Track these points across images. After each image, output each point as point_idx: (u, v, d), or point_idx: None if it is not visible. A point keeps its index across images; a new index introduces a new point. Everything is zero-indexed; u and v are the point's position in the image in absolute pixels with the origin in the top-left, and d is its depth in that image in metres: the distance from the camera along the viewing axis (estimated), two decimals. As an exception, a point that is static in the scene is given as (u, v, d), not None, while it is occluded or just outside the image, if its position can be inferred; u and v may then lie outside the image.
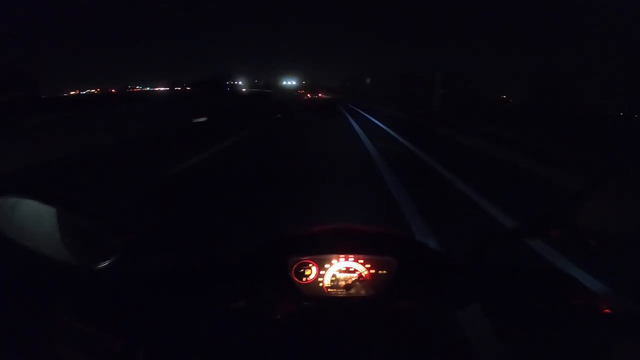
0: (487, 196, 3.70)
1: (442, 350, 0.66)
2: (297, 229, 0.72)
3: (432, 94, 18.99)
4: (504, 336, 0.63)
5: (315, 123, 12.45)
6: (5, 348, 0.43)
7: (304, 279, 0.65)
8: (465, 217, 3.19)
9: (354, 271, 0.66)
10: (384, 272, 0.65)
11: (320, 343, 0.62)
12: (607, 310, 0.52)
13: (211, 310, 0.62)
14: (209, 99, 23.67)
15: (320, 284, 0.66)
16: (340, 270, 0.66)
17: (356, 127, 10.78)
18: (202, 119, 11.91)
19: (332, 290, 0.66)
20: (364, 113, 17.17)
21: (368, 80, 52.55)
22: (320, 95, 20.23)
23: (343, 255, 0.67)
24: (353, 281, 0.66)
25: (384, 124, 11.95)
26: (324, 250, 0.67)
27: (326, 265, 0.66)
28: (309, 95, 21.44)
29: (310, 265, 0.66)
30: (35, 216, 0.50)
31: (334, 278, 0.66)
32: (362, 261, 0.66)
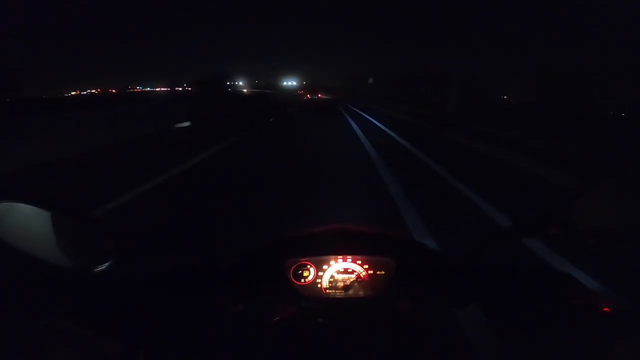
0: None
1: (442, 350, 0.66)
2: (295, 230, 0.72)
3: (447, 95, 16.75)
4: (504, 336, 0.63)
5: (314, 128, 11.35)
6: (5, 350, 0.43)
7: (302, 280, 0.65)
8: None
9: (352, 272, 0.66)
10: (383, 272, 0.65)
11: (319, 344, 0.62)
12: (606, 309, 0.52)
13: (210, 311, 0.62)
14: (207, 99, 23.18)
15: (319, 285, 0.66)
16: (338, 271, 0.66)
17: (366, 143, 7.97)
18: (185, 124, 11.14)
19: (330, 291, 0.66)
20: (368, 117, 15.15)
21: (370, 80, 49.49)
22: (319, 95, 20.21)
23: (341, 256, 0.66)
24: (351, 282, 0.65)
25: (393, 134, 9.73)
26: (322, 252, 0.67)
27: (324, 267, 0.66)
28: (308, 95, 21.48)
29: (308, 266, 0.66)
30: (31, 220, 0.50)
31: (332, 279, 0.66)
32: (360, 262, 0.66)
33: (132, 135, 8.30)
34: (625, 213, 0.52)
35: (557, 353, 0.53)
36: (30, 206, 0.49)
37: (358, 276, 0.66)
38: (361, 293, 0.66)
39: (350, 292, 0.65)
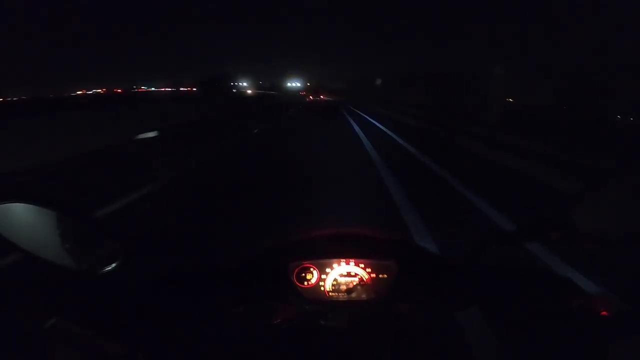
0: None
1: (443, 352, 0.66)
2: (298, 234, 0.73)
3: (487, 101, 12.09)
4: (504, 338, 0.64)
5: (313, 139, 9.13)
6: (7, 350, 0.43)
7: (305, 283, 0.66)
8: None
9: (355, 275, 0.67)
10: (385, 276, 0.66)
11: (321, 347, 0.63)
12: (604, 313, 0.52)
13: (212, 313, 0.63)
14: (205, 100, 22.56)
15: (322, 288, 0.67)
16: (341, 274, 0.67)
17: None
18: (151, 134, 8.85)
19: (333, 294, 0.67)
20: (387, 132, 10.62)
21: (379, 82, 43.74)
22: (322, 97, 20.20)
23: (344, 260, 0.67)
24: (354, 285, 0.66)
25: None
26: (325, 255, 0.68)
27: (327, 270, 0.67)
28: (311, 97, 21.50)
29: (311, 269, 0.67)
30: (36, 221, 0.50)
31: (335, 282, 0.67)
32: (362, 265, 0.67)
33: (64, 154, 6.21)
34: (625, 216, 0.52)
35: (557, 354, 0.54)
36: (37, 207, 0.49)
37: (361, 279, 0.67)
38: (364, 296, 0.66)
39: (353, 295, 0.66)
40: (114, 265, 0.51)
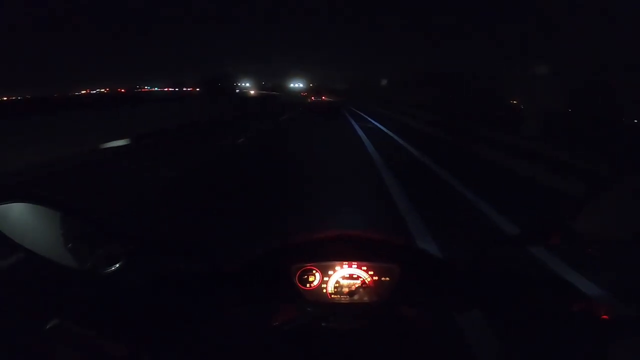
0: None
1: (445, 354, 0.66)
2: (301, 236, 0.73)
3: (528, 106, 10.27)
4: (504, 339, 0.64)
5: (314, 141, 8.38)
6: (9, 351, 0.44)
7: (308, 285, 0.66)
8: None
9: (358, 278, 0.67)
10: (387, 278, 0.66)
11: (323, 349, 0.64)
12: (604, 316, 0.52)
13: (214, 315, 0.64)
14: (204, 101, 22.05)
15: (324, 290, 0.67)
16: (343, 276, 0.67)
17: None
18: (121, 142, 7.28)
19: (335, 296, 0.67)
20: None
21: (384, 82, 40.40)
22: (323, 97, 20.41)
23: (346, 262, 0.68)
24: (356, 288, 0.66)
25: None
26: (327, 257, 0.68)
27: (330, 272, 0.67)
28: (312, 97, 21.74)
29: (314, 271, 0.67)
30: (39, 220, 0.50)
31: (337, 284, 0.67)
32: (365, 268, 0.67)
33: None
34: (626, 219, 0.52)
35: (557, 356, 0.54)
36: (41, 207, 0.50)
37: (363, 282, 0.67)
38: (366, 299, 0.67)
39: (355, 297, 0.66)
40: (116, 265, 0.51)
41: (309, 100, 22.04)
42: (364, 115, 17.35)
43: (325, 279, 0.67)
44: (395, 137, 9.23)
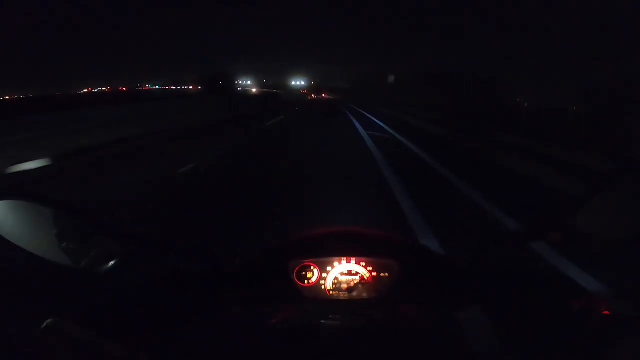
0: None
1: (444, 351, 0.66)
2: (299, 232, 0.73)
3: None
4: (505, 337, 0.64)
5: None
6: (5, 351, 0.43)
7: (306, 281, 0.66)
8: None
9: (356, 274, 0.67)
10: (386, 274, 0.66)
11: (322, 346, 0.63)
12: (605, 312, 0.52)
13: (213, 313, 0.63)
14: (205, 101, 21.66)
15: (323, 287, 0.67)
16: (342, 273, 0.67)
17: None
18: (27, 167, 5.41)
19: (334, 293, 0.67)
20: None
21: (391, 79, 37.00)
22: (323, 95, 20.66)
23: (345, 258, 0.67)
24: (355, 284, 0.66)
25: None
26: (325, 253, 0.68)
27: (328, 268, 0.67)
28: (313, 95, 22.01)
29: (312, 268, 0.66)
30: (33, 218, 0.49)
31: (336, 281, 0.67)
32: (364, 264, 0.67)
33: None
34: (626, 217, 0.52)
35: (557, 354, 0.54)
36: (36, 205, 0.49)
37: (362, 278, 0.66)
38: (365, 295, 0.66)
39: (354, 293, 0.66)
40: (112, 263, 0.51)
41: (308, 98, 22.20)
42: (373, 118, 15.04)
43: (324, 275, 0.67)
44: (420, 154, 6.61)
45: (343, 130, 10.69)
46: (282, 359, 0.62)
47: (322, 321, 0.65)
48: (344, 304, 0.67)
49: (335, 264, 0.67)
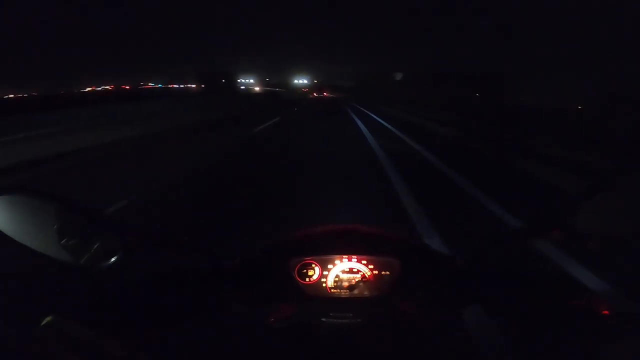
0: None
1: (445, 350, 0.66)
2: (300, 230, 0.72)
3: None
4: (505, 337, 0.63)
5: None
6: (3, 350, 0.43)
7: (307, 279, 0.66)
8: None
9: (358, 272, 0.66)
10: (387, 273, 0.66)
11: (322, 344, 0.63)
12: (605, 312, 0.52)
13: (213, 312, 0.63)
14: (206, 101, 21.34)
15: (324, 285, 0.67)
16: (343, 270, 0.67)
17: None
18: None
19: (335, 290, 0.67)
20: None
21: (399, 77, 35.63)
22: (325, 94, 20.90)
23: (346, 256, 0.67)
24: (356, 282, 0.66)
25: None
26: (327, 251, 0.67)
27: (329, 266, 0.67)
28: (315, 94, 22.25)
29: (313, 265, 0.66)
30: (32, 213, 0.49)
31: (337, 279, 0.67)
32: (365, 262, 0.66)
33: None
34: (628, 216, 0.52)
35: (557, 354, 0.53)
36: (36, 200, 0.49)
37: (363, 276, 0.66)
38: (366, 293, 0.66)
39: (355, 291, 0.66)
40: (112, 260, 0.50)
41: (310, 96, 22.31)
42: (382, 122, 13.24)
43: (325, 273, 0.67)
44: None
45: (347, 135, 9.30)
46: (283, 357, 0.62)
47: (323, 319, 0.64)
48: (344, 302, 0.67)
49: (337, 261, 0.67)
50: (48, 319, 0.45)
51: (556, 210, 0.57)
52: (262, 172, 5.12)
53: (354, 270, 0.67)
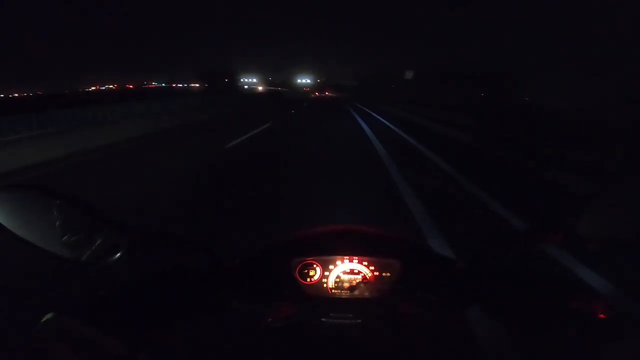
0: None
1: (445, 351, 0.66)
2: (302, 230, 0.73)
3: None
4: (504, 338, 0.63)
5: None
6: (4, 349, 0.43)
7: (308, 279, 0.66)
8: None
9: (358, 273, 0.66)
10: (388, 274, 0.66)
11: (323, 344, 0.63)
12: (602, 315, 0.52)
13: (214, 311, 0.63)
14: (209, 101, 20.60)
15: (325, 285, 0.67)
16: (344, 271, 0.67)
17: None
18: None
19: (336, 291, 0.67)
20: None
21: (410, 75, 31.39)
22: (326, 93, 21.20)
23: (347, 257, 0.67)
24: (357, 283, 0.66)
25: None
26: (328, 252, 0.67)
27: (330, 267, 0.67)
28: (317, 93, 22.50)
29: (314, 265, 0.66)
30: (35, 210, 0.49)
31: (338, 279, 0.67)
32: (366, 263, 0.66)
33: None
34: (630, 218, 0.51)
35: (557, 354, 0.53)
36: (39, 196, 0.49)
37: (364, 277, 0.66)
38: (367, 294, 0.66)
39: (356, 292, 0.66)
40: (113, 257, 0.50)
41: (312, 95, 22.45)
42: (397, 130, 10.26)
43: (326, 273, 0.67)
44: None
45: (354, 145, 7.43)
46: (283, 357, 0.62)
47: (323, 319, 0.65)
48: (345, 303, 0.67)
49: (338, 262, 0.67)
50: (48, 315, 0.46)
51: (556, 213, 0.56)
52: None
53: (355, 271, 0.67)
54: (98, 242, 0.50)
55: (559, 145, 5.10)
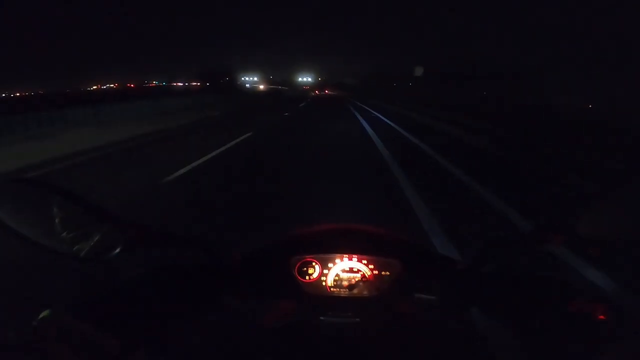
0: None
1: (443, 351, 0.66)
2: (302, 228, 0.72)
3: None
4: (504, 339, 0.63)
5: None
6: (1, 346, 0.42)
7: (307, 277, 0.66)
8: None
9: (358, 271, 0.66)
10: (387, 273, 0.66)
11: (321, 343, 0.63)
12: (602, 317, 0.51)
13: (212, 309, 0.63)
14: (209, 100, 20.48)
15: (324, 283, 0.67)
16: (343, 270, 0.67)
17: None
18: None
19: (335, 289, 0.67)
20: None
21: (420, 72, 29.25)
22: (326, 91, 21.45)
23: (347, 255, 0.67)
24: (356, 281, 0.66)
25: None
26: (327, 250, 0.67)
27: (329, 265, 0.67)
28: (317, 91, 22.74)
29: (313, 264, 0.66)
30: (34, 205, 0.49)
31: (337, 278, 0.67)
32: (365, 262, 0.66)
33: None
34: (631, 220, 0.51)
35: (557, 354, 0.53)
36: (36, 189, 0.49)
37: (363, 276, 0.66)
38: (365, 293, 0.66)
39: (355, 291, 0.66)
40: (112, 254, 0.50)
41: (313, 93, 22.62)
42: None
43: (325, 271, 0.67)
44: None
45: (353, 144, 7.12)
46: (282, 356, 0.62)
47: (322, 318, 0.65)
48: (344, 301, 0.67)
49: (337, 260, 0.67)
50: (45, 312, 0.45)
51: (559, 216, 0.56)
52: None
53: (354, 269, 0.67)
54: (97, 238, 0.49)
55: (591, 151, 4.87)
